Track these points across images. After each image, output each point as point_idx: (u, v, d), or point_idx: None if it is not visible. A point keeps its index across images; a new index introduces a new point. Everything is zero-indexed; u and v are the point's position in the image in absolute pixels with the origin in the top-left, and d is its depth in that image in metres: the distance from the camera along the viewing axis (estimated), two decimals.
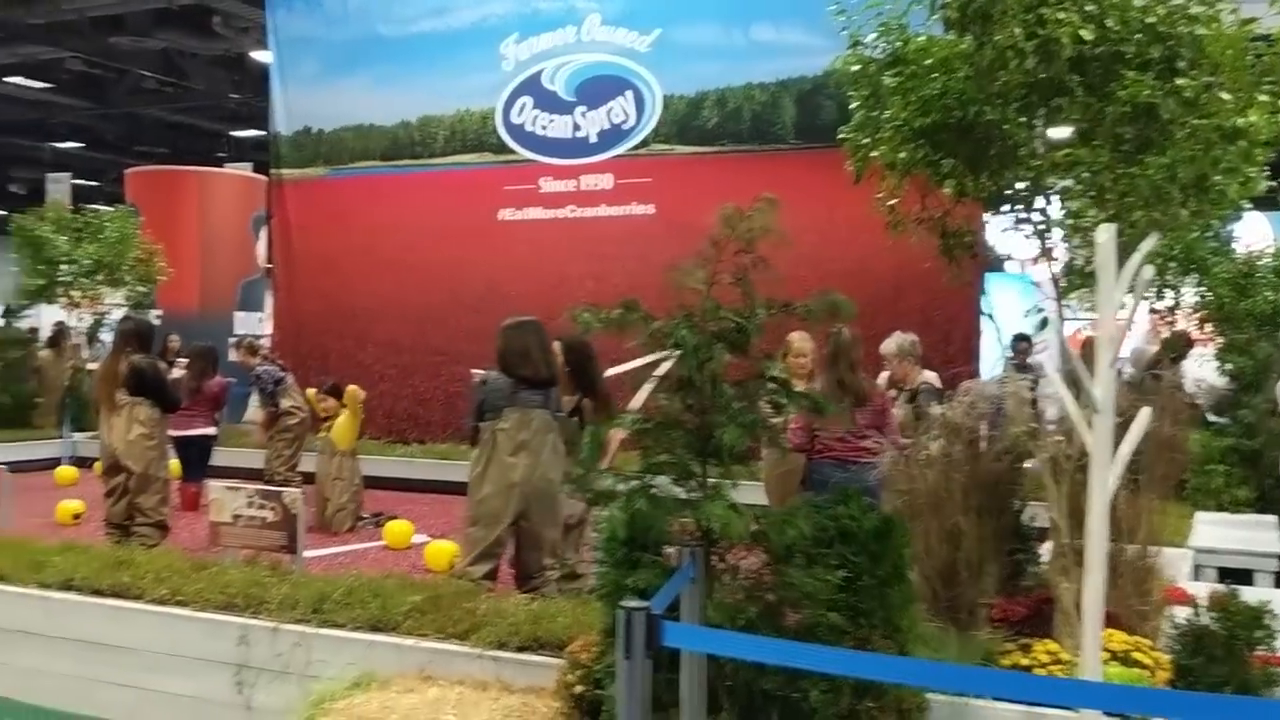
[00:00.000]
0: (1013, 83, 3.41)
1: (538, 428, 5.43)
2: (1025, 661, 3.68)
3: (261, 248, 21.47)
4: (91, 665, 4.99)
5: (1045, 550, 4.23)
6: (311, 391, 9.32)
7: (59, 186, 28.77)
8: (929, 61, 3.40)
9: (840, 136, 4.18)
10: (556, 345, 6.25)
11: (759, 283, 3.61)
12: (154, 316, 14.31)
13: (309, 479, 9.70)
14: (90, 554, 5.48)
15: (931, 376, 8.55)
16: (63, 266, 12.67)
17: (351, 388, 8.76)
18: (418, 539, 8.28)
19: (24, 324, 15.13)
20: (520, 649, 4.29)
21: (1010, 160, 3.55)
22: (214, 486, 5.82)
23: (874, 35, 3.81)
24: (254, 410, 13.11)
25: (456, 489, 10.40)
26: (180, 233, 16.72)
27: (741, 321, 3.52)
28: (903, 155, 3.80)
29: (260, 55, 19.00)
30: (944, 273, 4.09)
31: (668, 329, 3.56)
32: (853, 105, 3.99)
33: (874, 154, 3.83)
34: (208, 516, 5.77)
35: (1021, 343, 10.20)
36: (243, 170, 22.69)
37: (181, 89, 22.01)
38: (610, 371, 6.63)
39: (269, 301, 22.73)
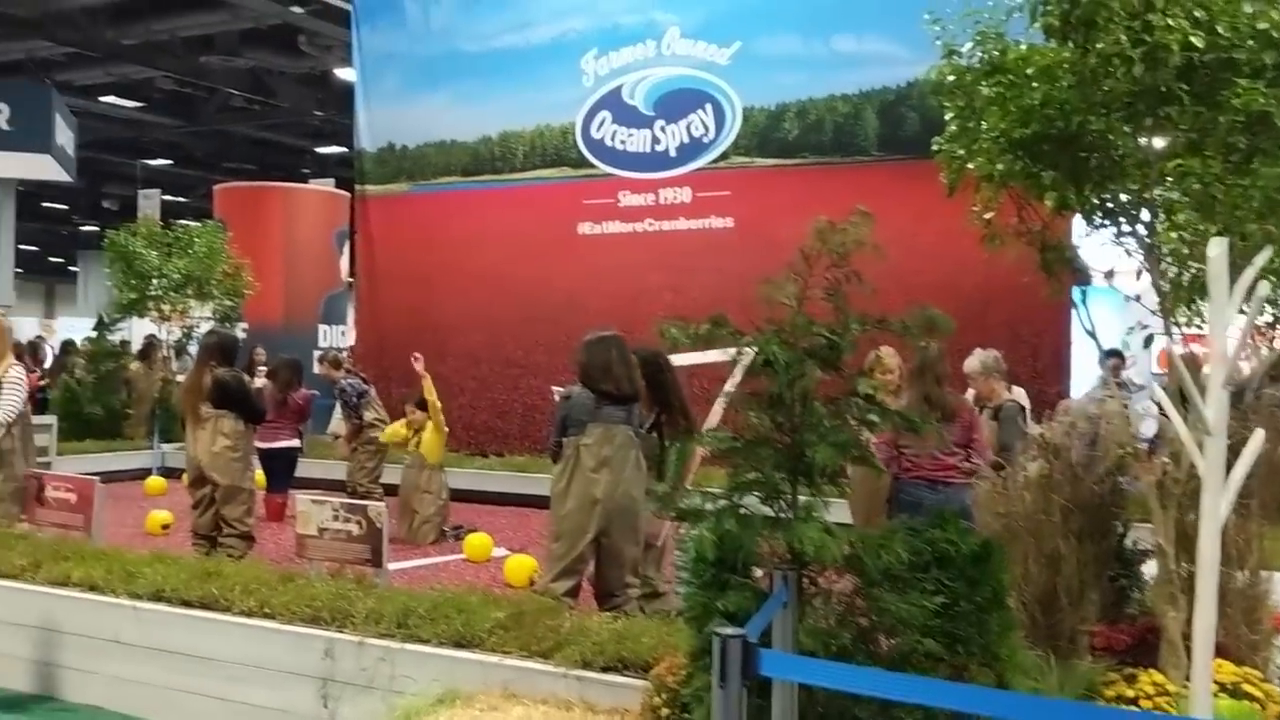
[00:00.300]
0: (1117, 91, 3.29)
1: (620, 443, 5.37)
2: (1130, 693, 3.53)
3: (344, 262, 21.86)
4: (179, 675, 5.05)
5: (1148, 574, 4.07)
6: (399, 428, 9.25)
7: (149, 202, 29.64)
8: (1030, 70, 3.29)
9: (934, 148, 4.08)
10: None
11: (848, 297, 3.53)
12: (240, 330, 14.59)
13: (391, 491, 9.79)
14: (180, 565, 5.55)
15: (1019, 394, 8.33)
16: (154, 280, 12.98)
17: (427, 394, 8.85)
18: (497, 552, 8.30)
19: (114, 337, 15.53)
20: (604, 669, 4.23)
21: (1114, 172, 3.42)
22: (300, 499, 5.87)
23: (970, 44, 3.70)
24: (336, 422, 13.31)
25: (534, 502, 10.45)
26: (266, 247, 17.05)
27: (834, 337, 3.44)
28: (1000, 167, 3.69)
29: (344, 73, 19.35)
30: (1043, 287, 3.96)
31: (757, 344, 3.49)
32: (948, 116, 3.89)
33: (970, 166, 3.72)
34: (294, 528, 5.82)
35: (1113, 359, 9.89)
36: (326, 186, 23.12)
37: (268, 107, 22.55)
38: (677, 360, 6.54)
39: (351, 315, 23.12)
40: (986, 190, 3.98)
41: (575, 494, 5.40)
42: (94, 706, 5.22)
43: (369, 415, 9.99)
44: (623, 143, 11.49)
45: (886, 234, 10.67)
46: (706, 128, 11.08)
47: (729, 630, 2.37)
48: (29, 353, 15.49)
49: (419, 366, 8.91)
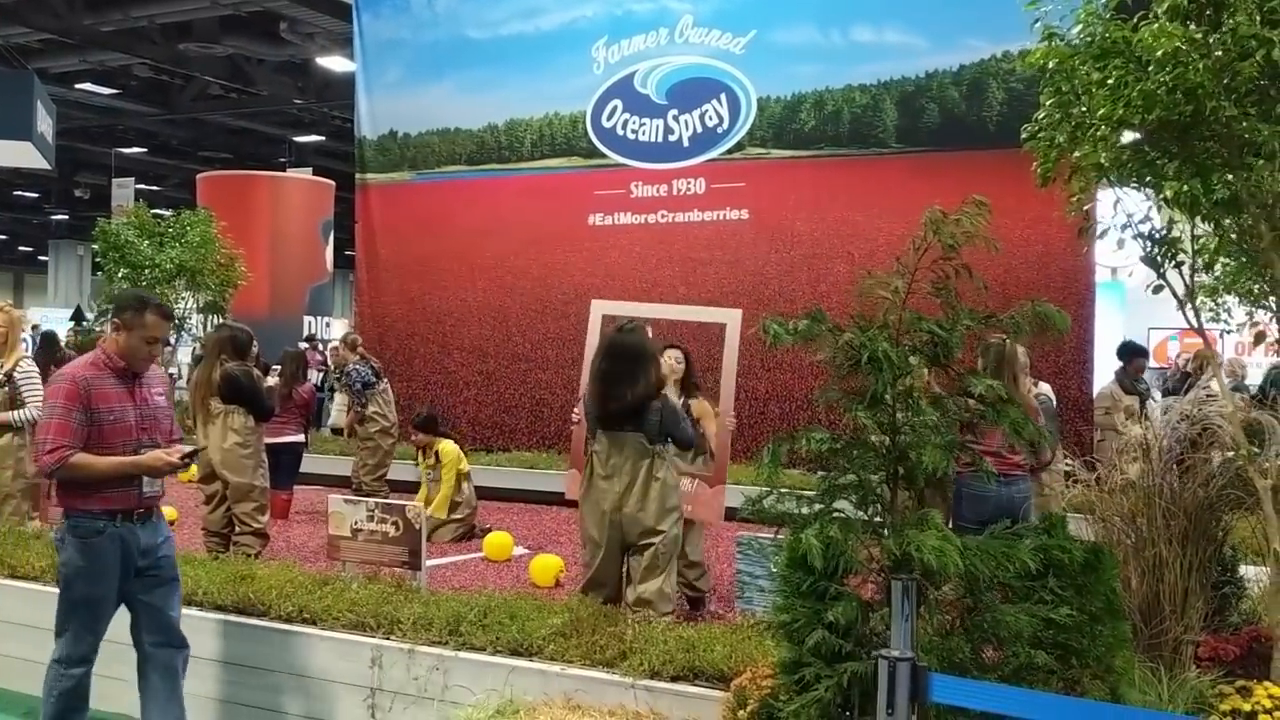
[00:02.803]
0: (1247, 75, 3.11)
1: (629, 453, 4.92)
2: (1246, 707, 3.37)
3: (330, 253, 21.54)
4: (215, 684, 4.83)
5: (1249, 580, 3.93)
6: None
7: (123, 191, 29.18)
8: (1160, 53, 3.10)
9: (1024, 135, 3.91)
10: (673, 354, 5.98)
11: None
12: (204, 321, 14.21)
13: (395, 487, 9.58)
14: (209, 566, 5.33)
15: (1046, 389, 8.20)
16: (146, 271, 12.64)
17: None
18: (517, 551, 8.09)
19: (100, 328, 15.11)
20: (674, 678, 4.05)
21: (1237, 162, 3.25)
22: (333, 499, 5.64)
23: (1078, 26, 3.52)
24: (337, 414, 12.99)
25: (544, 499, 10.25)
26: (251, 237, 16.74)
27: (943, 334, 3.26)
28: (1104, 156, 3.51)
29: (326, 61, 19.02)
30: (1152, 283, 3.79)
31: (859, 341, 3.32)
32: (1046, 102, 3.70)
33: (1076, 154, 3.54)
34: (327, 529, 5.59)
35: (1139, 358, 9.73)
36: (304, 175, 22.78)
37: (246, 95, 22.20)
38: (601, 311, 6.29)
39: (338, 306, 22.63)
40: (1080, 181, 3.81)
41: (590, 502, 5.06)
42: (124, 715, 4.98)
43: (371, 408, 9.74)
44: (634, 132, 11.26)
45: (904, 227, 10.48)
46: (721, 118, 10.87)
47: (896, 653, 2.19)
48: None
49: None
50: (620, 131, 11.33)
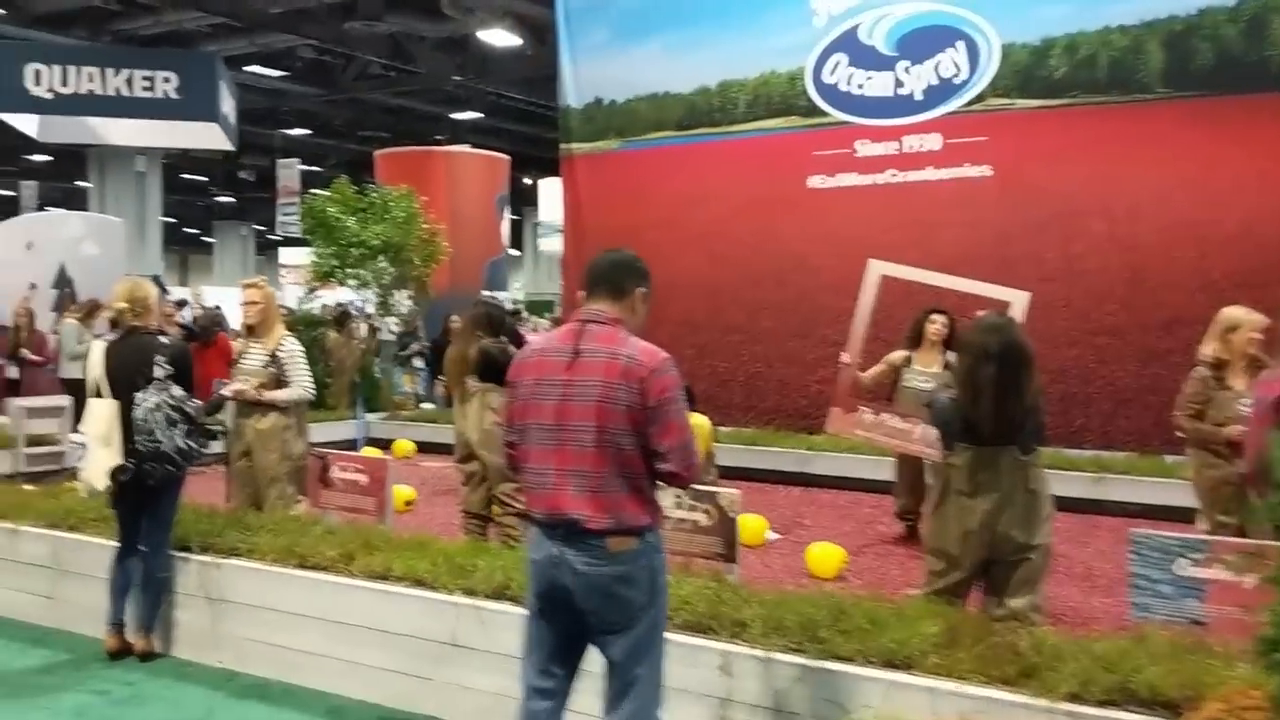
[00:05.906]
0: None
1: (1002, 469, 4.24)
2: None
3: (506, 228, 21.42)
4: None
5: None
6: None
7: (288, 172, 29.76)
8: None
9: None
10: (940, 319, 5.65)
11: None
12: (406, 297, 14.10)
13: None
14: (508, 558, 4.95)
15: None
16: (352, 249, 12.58)
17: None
18: (769, 536, 7.62)
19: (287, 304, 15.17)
20: (1102, 703, 3.45)
21: None
22: None
23: None
24: None
25: (766, 476, 9.75)
26: (431, 212, 16.64)
27: None
28: None
29: (486, 35, 18.76)
30: None
31: None
32: None
33: None
34: None
35: None
36: (477, 151, 22.72)
37: (404, 73, 22.25)
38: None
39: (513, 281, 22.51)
40: None
41: (947, 517, 4.39)
42: (431, 717, 4.66)
43: None
44: (860, 87, 10.56)
45: (1173, 180, 9.43)
46: (958, 68, 10.09)
47: None
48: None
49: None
50: (844, 87, 10.65)
